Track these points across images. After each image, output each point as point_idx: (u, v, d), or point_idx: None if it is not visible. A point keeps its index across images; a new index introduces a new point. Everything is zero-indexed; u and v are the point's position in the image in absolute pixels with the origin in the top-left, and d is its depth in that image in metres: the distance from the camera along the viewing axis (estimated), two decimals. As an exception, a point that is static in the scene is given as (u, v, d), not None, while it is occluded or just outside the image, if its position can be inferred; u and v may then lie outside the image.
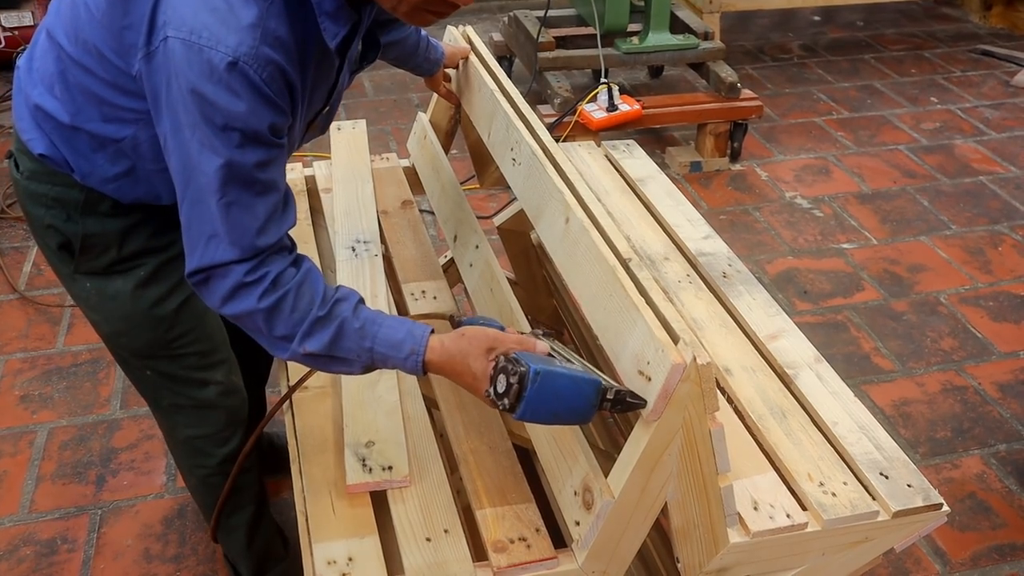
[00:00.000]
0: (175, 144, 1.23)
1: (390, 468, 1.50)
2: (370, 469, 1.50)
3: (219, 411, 1.68)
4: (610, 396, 1.25)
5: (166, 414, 1.71)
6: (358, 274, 1.95)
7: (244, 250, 1.25)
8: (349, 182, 2.25)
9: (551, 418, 1.25)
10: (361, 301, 1.34)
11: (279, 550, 1.99)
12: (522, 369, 1.22)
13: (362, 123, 2.47)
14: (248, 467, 1.78)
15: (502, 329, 1.35)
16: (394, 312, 1.89)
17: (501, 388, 1.24)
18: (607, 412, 1.29)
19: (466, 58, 2.05)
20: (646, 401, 1.23)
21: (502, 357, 1.26)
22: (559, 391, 1.24)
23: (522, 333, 1.38)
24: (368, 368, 1.34)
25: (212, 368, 1.65)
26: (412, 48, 1.94)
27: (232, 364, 1.70)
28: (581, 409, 1.25)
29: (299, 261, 1.32)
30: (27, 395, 2.56)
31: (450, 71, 2.11)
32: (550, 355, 1.31)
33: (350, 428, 1.57)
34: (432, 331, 1.33)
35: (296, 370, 1.74)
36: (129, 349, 1.59)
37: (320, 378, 1.72)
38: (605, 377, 1.29)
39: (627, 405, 1.25)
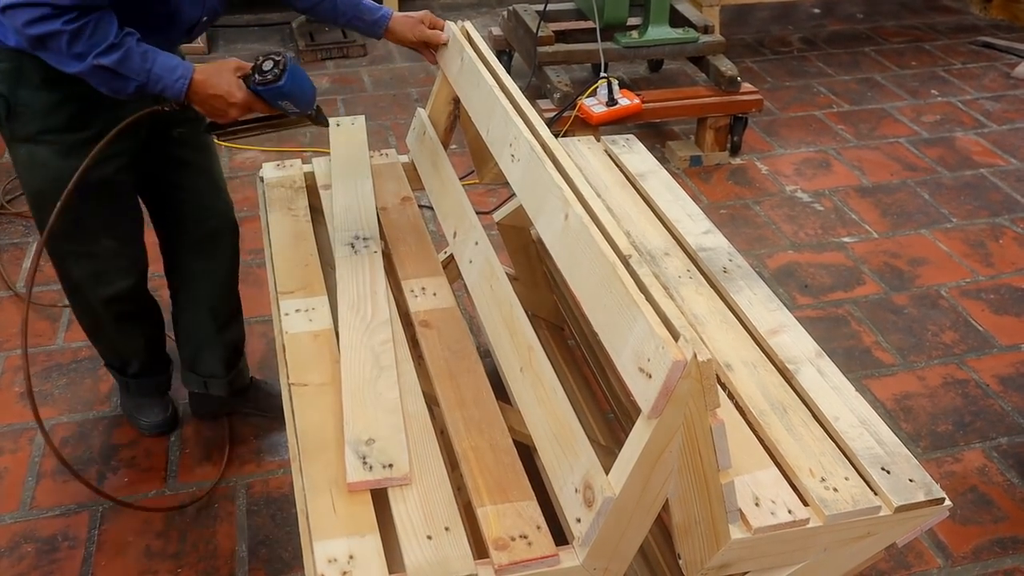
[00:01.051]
0: None
1: (391, 466, 1.50)
2: (371, 467, 1.49)
3: (108, 262, 2.04)
4: (315, 107, 1.85)
5: (62, 256, 2.03)
6: (357, 270, 1.94)
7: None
8: (348, 178, 2.24)
9: (295, 97, 1.74)
10: (139, 39, 1.64)
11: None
12: (284, 57, 1.71)
13: (361, 119, 2.47)
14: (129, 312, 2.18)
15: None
16: (393, 308, 1.88)
17: (267, 67, 1.69)
18: (313, 116, 1.86)
19: (442, 44, 2.11)
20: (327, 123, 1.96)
21: (260, 56, 1.72)
22: (304, 77, 1.76)
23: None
24: (140, 88, 1.65)
25: (111, 235, 1.99)
26: None
27: (130, 236, 2.04)
28: (308, 97, 1.78)
29: (104, 9, 1.59)
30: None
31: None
32: None
33: (350, 426, 1.57)
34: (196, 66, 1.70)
35: (295, 366, 1.73)
36: (46, 206, 1.83)
37: (321, 374, 1.72)
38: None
39: (320, 118, 1.89)
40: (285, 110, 1.77)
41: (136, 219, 2.06)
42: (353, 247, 2.01)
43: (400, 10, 2.20)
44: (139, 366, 2.33)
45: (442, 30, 2.11)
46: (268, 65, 1.69)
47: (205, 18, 1.86)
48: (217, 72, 1.68)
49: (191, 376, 2.36)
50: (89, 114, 1.79)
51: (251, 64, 1.73)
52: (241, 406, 2.44)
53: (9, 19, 1.56)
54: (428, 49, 2.15)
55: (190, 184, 2.11)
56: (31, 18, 1.54)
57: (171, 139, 2.02)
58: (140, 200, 2.10)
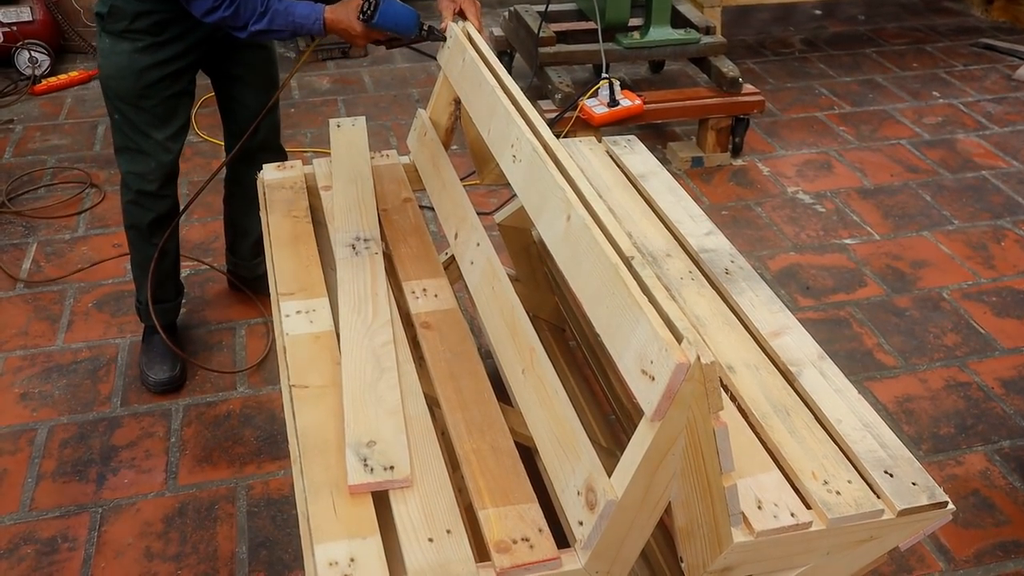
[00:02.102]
0: None
1: (392, 468, 1.49)
2: (371, 469, 1.49)
3: (151, 159, 2.35)
4: (425, 28, 2.11)
5: (120, 150, 2.39)
6: (358, 272, 1.94)
7: None
8: (349, 180, 2.24)
9: (394, 23, 2.05)
10: None
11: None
12: None
13: (361, 120, 2.47)
14: (152, 208, 2.46)
15: None
16: (394, 309, 1.88)
17: (364, 8, 2.01)
18: (422, 37, 2.13)
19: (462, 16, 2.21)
20: (445, 37, 2.16)
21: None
22: (399, 11, 2.05)
23: None
24: (294, 33, 2.08)
25: (160, 128, 2.32)
26: None
27: (177, 137, 2.36)
28: (410, 22, 2.07)
29: None
30: (27, 393, 2.55)
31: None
32: None
33: (351, 428, 1.56)
34: (324, 6, 2.06)
35: (296, 368, 1.73)
36: (114, 91, 2.28)
37: (322, 376, 1.72)
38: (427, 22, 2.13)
39: (431, 33, 2.14)
40: (396, 33, 2.08)
41: (184, 124, 2.38)
42: (354, 248, 2.00)
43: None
44: (155, 283, 2.48)
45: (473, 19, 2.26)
46: (365, 6, 2.01)
47: None
48: (342, 9, 2.04)
49: (230, 257, 2.90)
50: (167, 23, 2.19)
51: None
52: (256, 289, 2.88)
53: (193, 10, 2.05)
54: None
55: (240, 99, 2.49)
56: (205, 10, 2.03)
57: (233, 57, 2.40)
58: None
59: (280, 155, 2.63)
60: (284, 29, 2.06)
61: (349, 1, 2.06)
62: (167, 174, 2.41)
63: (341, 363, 1.71)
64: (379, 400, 1.62)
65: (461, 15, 2.17)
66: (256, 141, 2.50)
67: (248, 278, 2.91)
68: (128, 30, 2.20)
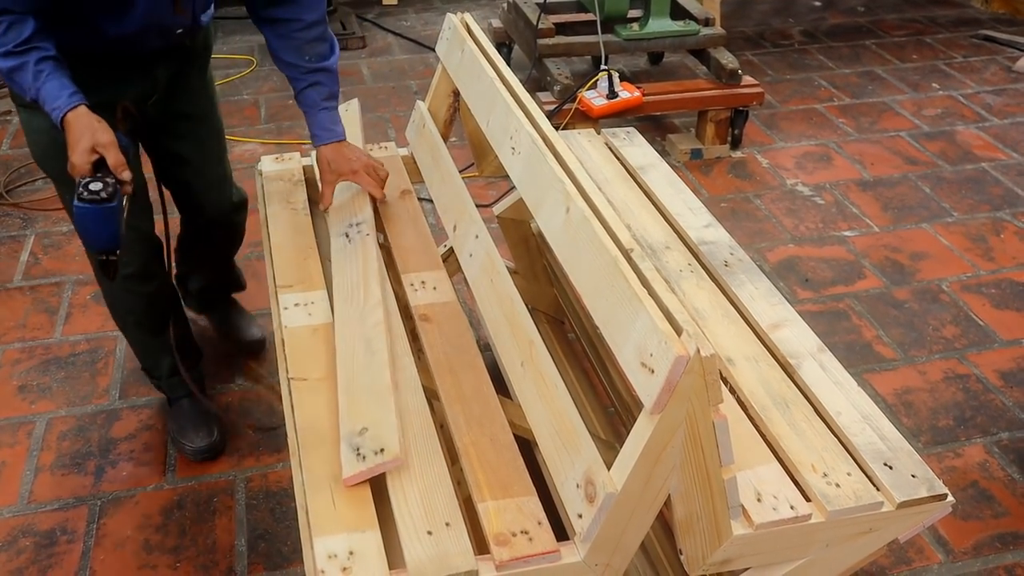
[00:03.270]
0: None
1: (381, 451, 1.49)
2: (363, 456, 1.48)
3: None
4: (108, 257, 1.73)
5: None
6: (351, 259, 1.92)
7: None
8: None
9: (82, 228, 1.69)
10: (53, 59, 1.68)
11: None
12: (112, 197, 1.65)
13: (354, 103, 2.43)
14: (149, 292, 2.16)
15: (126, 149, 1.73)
16: (393, 304, 1.87)
17: (94, 188, 1.64)
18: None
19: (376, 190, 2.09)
20: (113, 278, 1.80)
21: (108, 170, 1.67)
22: (105, 226, 1.67)
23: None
24: (34, 101, 1.70)
25: None
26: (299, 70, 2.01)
27: (136, 211, 1.97)
28: (95, 245, 1.72)
29: (25, 17, 1.65)
30: (25, 385, 2.55)
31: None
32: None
33: (344, 420, 1.56)
34: (82, 105, 1.69)
35: (294, 361, 1.72)
36: (50, 172, 1.98)
37: (320, 368, 1.71)
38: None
39: (104, 266, 1.74)
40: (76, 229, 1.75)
41: (144, 199, 2.06)
42: (347, 236, 1.99)
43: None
44: (170, 360, 2.29)
45: (370, 189, 2.09)
46: (97, 186, 1.65)
47: (180, 30, 1.90)
48: (80, 134, 1.66)
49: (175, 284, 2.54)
50: (90, 78, 1.78)
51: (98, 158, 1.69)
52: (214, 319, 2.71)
53: None
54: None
55: (182, 178, 2.19)
56: None
57: (175, 129, 2.09)
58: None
59: (232, 230, 2.42)
60: (25, 88, 1.69)
61: (99, 129, 1.68)
62: (144, 252, 2.10)
63: (336, 354, 1.71)
64: (370, 385, 1.62)
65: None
66: (204, 217, 2.29)
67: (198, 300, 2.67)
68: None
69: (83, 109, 1.68)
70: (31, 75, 1.67)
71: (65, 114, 1.67)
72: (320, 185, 2.10)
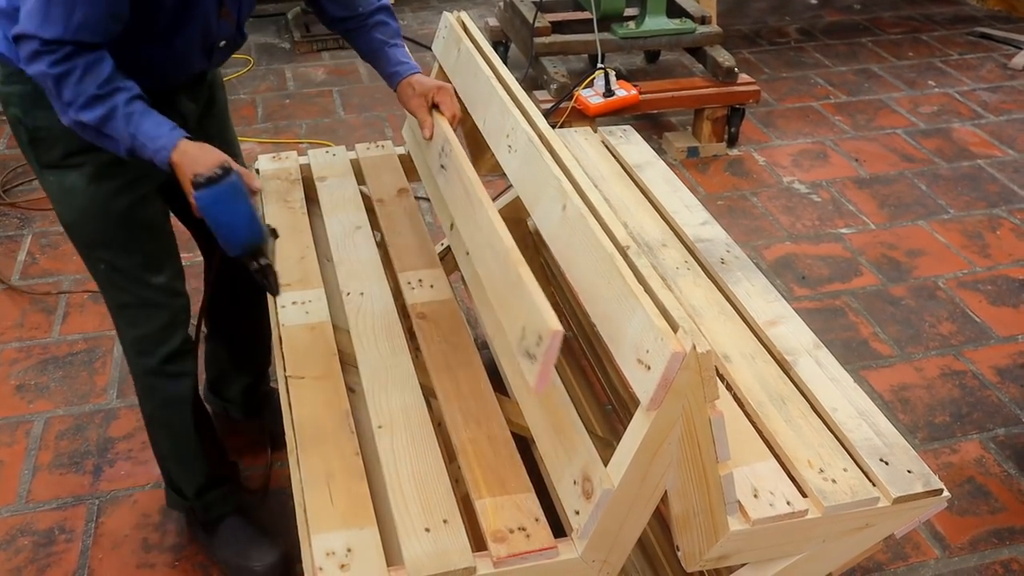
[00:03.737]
0: None
1: (540, 340, 1.35)
2: (534, 356, 1.36)
3: (162, 311, 1.82)
4: (261, 261, 1.56)
5: (116, 313, 1.84)
6: (453, 183, 1.85)
7: (47, 31, 1.42)
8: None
9: (214, 223, 1.50)
10: (140, 97, 1.51)
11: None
12: (227, 172, 1.48)
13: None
14: (186, 372, 1.91)
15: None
16: (389, 300, 1.88)
17: (204, 175, 1.47)
18: (248, 265, 1.57)
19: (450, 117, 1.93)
20: (279, 291, 1.63)
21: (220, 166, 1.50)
22: (235, 210, 1.50)
23: None
24: (130, 152, 1.51)
25: (158, 269, 1.79)
26: (365, 29, 1.93)
27: (177, 271, 1.84)
28: (235, 238, 1.52)
29: (97, 49, 1.47)
30: (23, 384, 2.55)
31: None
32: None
33: (507, 327, 1.45)
34: (187, 137, 1.52)
35: (292, 359, 1.73)
36: (85, 239, 1.74)
37: (318, 367, 1.72)
38: (271, 253, 1.58)
39: (264, 277, 1.57)
40: (217, 235, 1.54)
41: (177, 254, 1.86)
42: (443, 167, 1.89)
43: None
44: (206, 466, 2.01)
45: (448, 112, 1.92)
46: (204, 173, 1.48)
47: (223, 43, 1.73)
48: (192, 163, 1.51)
49: (210, 396, 2.34)
50: None
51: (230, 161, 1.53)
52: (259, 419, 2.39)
53: (20, 49, 1.47)
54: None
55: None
56: (27, 53, 1.44)
57: None
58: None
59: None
60: (117, 138, 1.50)
61: (210, 152, 1.53)
62: (186, 323, 1.88)
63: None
64: (504, 282, 1.50)
65: (436, 108, 1.93)
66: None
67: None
68: (69, 154, 1.64)
69: (185, 142, 1.52)
70: (122, 121, 1.48)
71: (170, 157, 1.50)
72: (416, 116, 1.96)
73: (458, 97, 2.01)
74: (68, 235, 1.77)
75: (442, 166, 1.88)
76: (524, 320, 1.38)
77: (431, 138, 1.95)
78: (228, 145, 1.92)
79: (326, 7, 1.93)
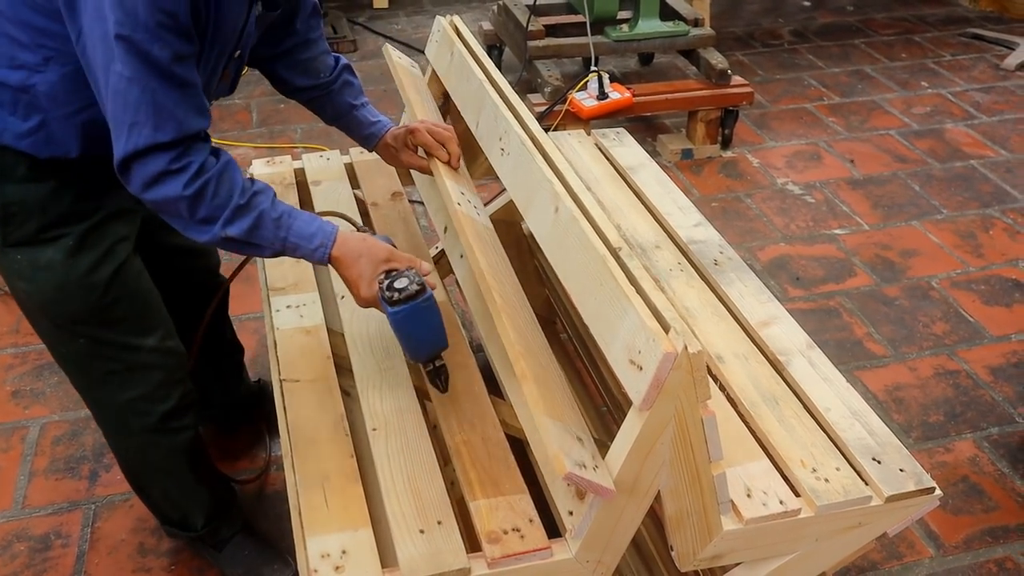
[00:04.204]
0: (94, 38, 1.30)
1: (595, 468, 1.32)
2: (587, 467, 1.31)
3: (155, 371, 1.71)
4: (437, 363, 1.58)
5: (98, 383, 1.71)
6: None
7: (165, 134, 1.33)
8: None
9: (405, 335, 1.51)
10: (275, 195, 1.47)
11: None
12: (423, 288, 1.48)
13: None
14: (187, 425, 1.83)
15: (394, 247, 1.56)
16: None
17: (400, 285, 1.47)
18: (423, 369, 1.59)
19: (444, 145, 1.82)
20: (446, 390, 1.61)
21: (407, 271, 1.50)
22: (429, 324, 1.51)
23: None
24: (277, 254, 1.47)
25: (147, 332, 1.68)
26: (326, 83, 1.85)
27: (167, 327, 1.74)
28: (423, 350, 1.55)
29: (218, 152, 1.42)
30: (18, 390, 2.55)
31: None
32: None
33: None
34: (339, 229, 1.50)
35: (287, 362, 1.73)
36: (62, 317, 1.60)
37: (312, 370, 1.72)
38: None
39: (436, 376, 1.59)
40: (403, 344, 1.56)
41: (163, 309, 1.75)
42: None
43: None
44: (210, 496, 1.96)
45: (444, 145, 1.82)
46: (401, 284, 1.47)
47: (213, 101, 1.62)
48: (357, 258, 1.48)
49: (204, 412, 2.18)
50: (92, 195, 1.55)
51: (401, 264, 1.52)
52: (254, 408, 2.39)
53: (125, 178, 1.37)
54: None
55: (182, 248, 1.91)
56: (149, 178, 1.34)
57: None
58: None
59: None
60: (264, 245, 1.44)
61: (376, 246, 1.51)
62: (184, 378, 1.79)
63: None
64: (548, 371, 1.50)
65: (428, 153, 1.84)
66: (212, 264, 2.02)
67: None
68: (44, 228, 1.52)
69: (343, 235, 1.49)
70: (271, 227, 1.43)
71: (330, 252, 1.47)
72: (413, 167, 1.87)
73: (451, 102, 2.01)
74: (36, 315, 1.63)
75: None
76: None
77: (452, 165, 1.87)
78: None
79: (287, 78, 1.82)
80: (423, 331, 1.51)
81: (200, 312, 1.87)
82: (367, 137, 1.88)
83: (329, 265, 1.50)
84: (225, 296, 2.09)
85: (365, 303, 1.53)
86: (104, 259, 1.58)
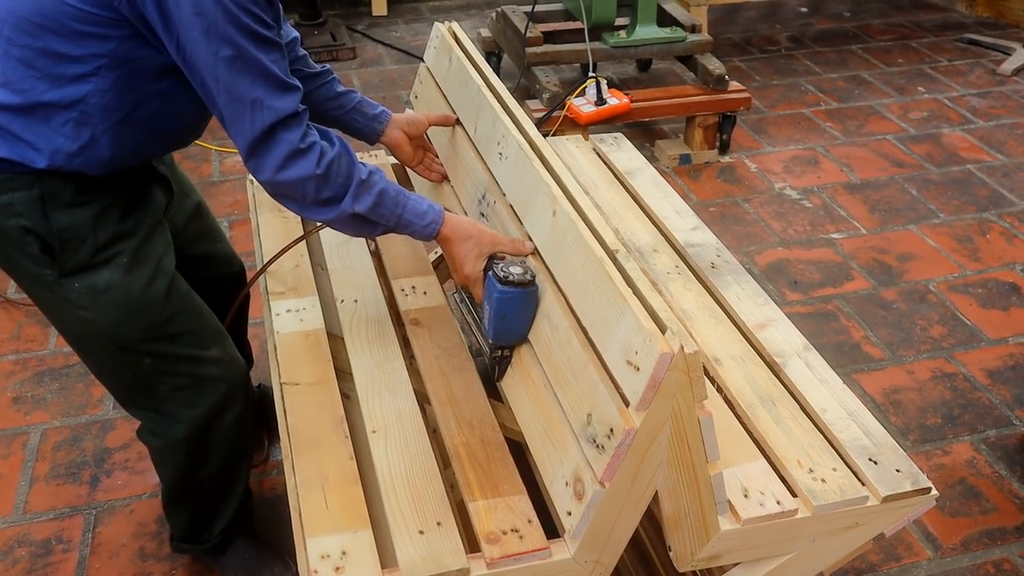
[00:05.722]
0: (192, 39, 1.32)
1: (611, 432, 1.29)
2: (601, 447, 1.33)
3: (219, 383, 1.72)
4: (506, 352, 1.59)
5: (166, 400, 1.69)
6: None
7: (285, 101, 1.36)
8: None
9: (501, 314, 1.52)
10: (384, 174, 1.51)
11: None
12: (534, 280, 1.51)
13: None
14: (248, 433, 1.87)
15: None
16: (383, 307, 1.89)
17: (516, 271, 1.50)
18: (493, 351, 1.59)
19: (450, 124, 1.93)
20: (501, 379, 1.61)
21: (521, 260, 1.55)
22: (525, 313, 1.54)
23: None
24: (387, 231, 1.52)
25: (209, 344, 1.70)
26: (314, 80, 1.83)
27: (225, 337, 1.76)
28: (508, 334, 1.56)
29: (328, 134, 1.46)
30: (19, 397, 2.56)
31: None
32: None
33: (569, 410, 1.43)
34: (445, 210, 1.57)
35: (287, 366, 1.74)
36: (126, 339, 1.59)
37: (312, 373, 1.73)
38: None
39: (498, 363, 1.60)
40: (480, 318, 1.60)
41: (215, 318, 1.76)
42: (483, 216, 1.85)
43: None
44: (236, 508, 1.94)
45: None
46: (513, 269, 1.50)
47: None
48: (466, 239, 1.54)
49: None
50: (133, 210, 1.56)
51: (504, 253, 1.58)
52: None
53: (257, 164, 1.39)
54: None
55: (209, 255, 1.96)
56: (280, 161, 1.37)
57: (187, 231, 1.86)
58: None
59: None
60: (381, 222, 1.50)
61: (484, 230, 1.57)
62: (248, 384, 1.80)
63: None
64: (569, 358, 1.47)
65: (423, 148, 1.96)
66: (234, 267, 2.05)
67: None
68: (99, 249, 1.52)
69: (450, 215, 1.55)
70: (391, 204, 1.48)
71: (440, 230, 1.52)
72: (411, 158, 1.95)
73: (451, 107, 2.02)
74: (99, 341, 1.59)
75: (482, 214, 1.81)
76: (591, 406, 1.35)
77: (440, 181, 2.00)
78: (198, 200, 1.93)
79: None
80: (518, 317, 1.55)
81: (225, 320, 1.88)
82: (370, 131, 1.89)
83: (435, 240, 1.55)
84: (245, 303, 2.10)
85: (465, 280, 1.58)
86: (157, 274, 1.59)
